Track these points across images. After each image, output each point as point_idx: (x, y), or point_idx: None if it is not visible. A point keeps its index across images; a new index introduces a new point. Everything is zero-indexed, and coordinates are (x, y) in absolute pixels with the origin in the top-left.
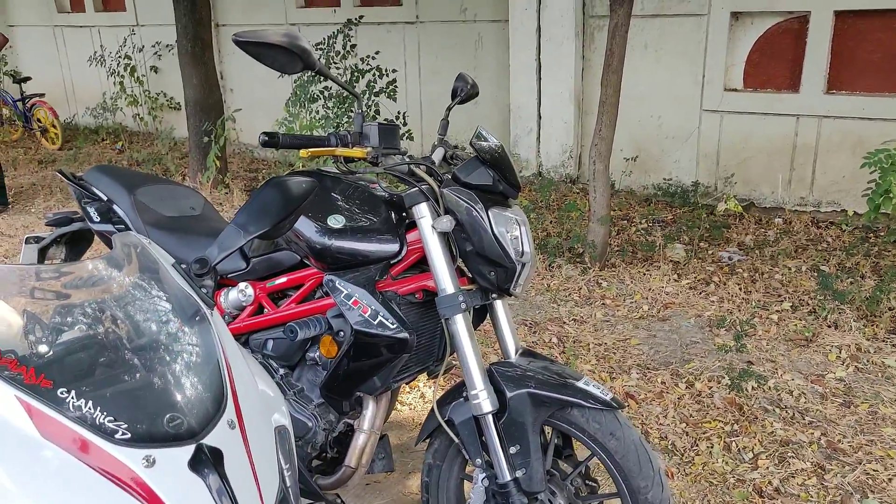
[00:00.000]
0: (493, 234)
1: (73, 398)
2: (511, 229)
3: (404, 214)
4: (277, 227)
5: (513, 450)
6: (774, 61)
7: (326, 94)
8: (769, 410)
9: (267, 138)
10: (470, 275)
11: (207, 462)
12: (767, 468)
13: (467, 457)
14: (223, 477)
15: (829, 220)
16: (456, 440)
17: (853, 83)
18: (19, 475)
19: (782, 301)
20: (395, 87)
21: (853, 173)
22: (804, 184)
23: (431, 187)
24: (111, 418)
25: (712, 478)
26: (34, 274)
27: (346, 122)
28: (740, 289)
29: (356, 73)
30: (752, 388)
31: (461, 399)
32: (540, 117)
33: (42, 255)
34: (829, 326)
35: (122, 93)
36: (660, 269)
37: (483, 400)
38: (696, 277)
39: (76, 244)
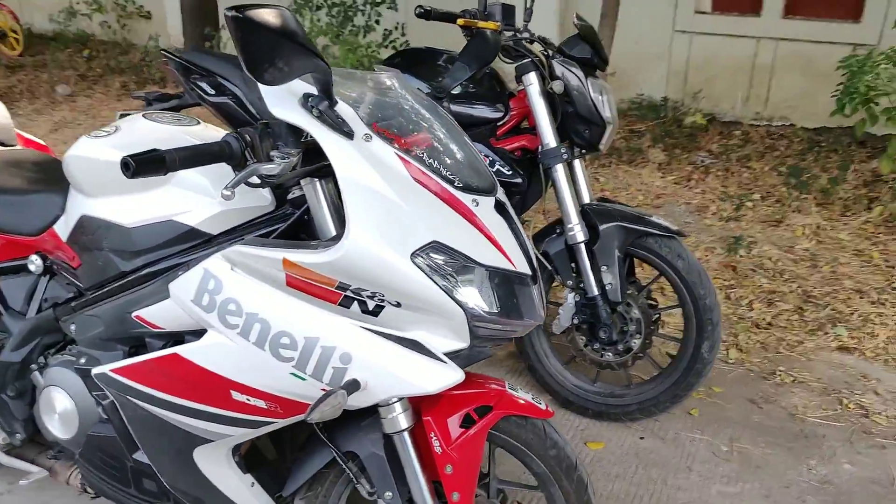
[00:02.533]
0: (591, 98)
1: (426, 157)
2: (603, 95)
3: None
4: (482, 68)
5: (603, 269)
6: None
7: (329, 2)
8: (756, 271)
9: (422, 10)
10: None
11: (502, 208)
12: (760, 310)
13: (560, 280)
14: (511, 218)
15: (780, 133)
16: (549, 268)
17: (807, 9)
18: (406, 200)
19: (753, 193)
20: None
21: (803, 92)
22: (760, 101)
23: (540, 59)
24: (449, 173)
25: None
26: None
27: (349, 30)
28: (719, 183)
29: None
30: (741, 255)
31: (553, 235)
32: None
33: None
34: (794, 212)
35: None
36: (647, 167)
37: (578, 231)
38: (678, 175)
39: None
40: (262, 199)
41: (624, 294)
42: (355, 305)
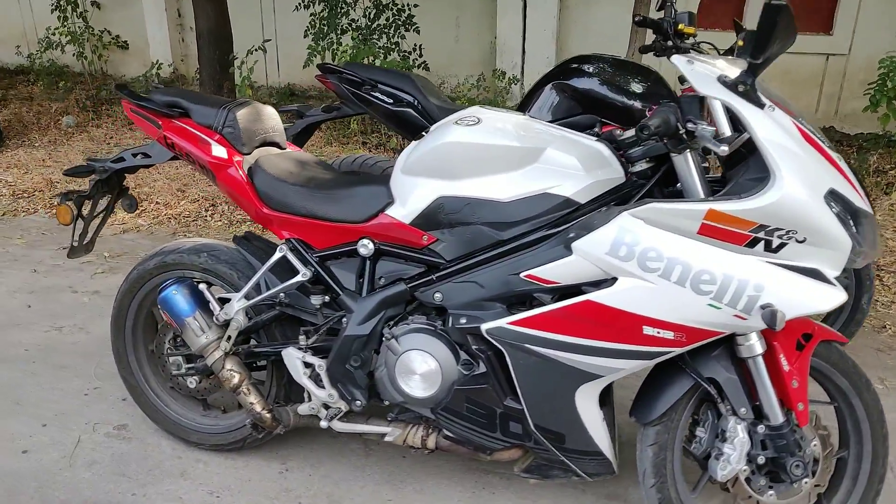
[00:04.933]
0: None
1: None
2: None
3: None
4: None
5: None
6: (722, 4)
7: (354, 25)
8: None
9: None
10: None
11: None
12: None
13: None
14: None
15: None
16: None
17: None
18: (808, 154)
19: None
20: (414, 20)
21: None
22: None
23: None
24: (817, 136)
25: None
26: None
27: (380, 48)
28: None
29: (379, 9)
30: None
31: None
32: (524, 52)
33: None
34: None
35: (62, 28)
36: None
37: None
38: None
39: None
40: (616, 173)
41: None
42: (759, 245)
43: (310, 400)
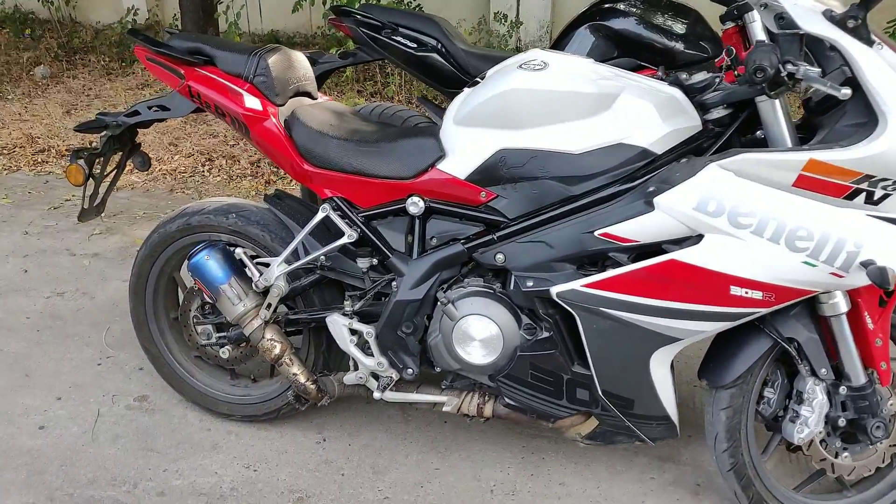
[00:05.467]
0: None
1: None
2: None
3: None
4: None
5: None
6: None
7: None
8: None
9: None
10: None
11: None
12: None
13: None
14: None
15: None
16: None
17: None
18: None
19: None
20: None
21: None
22: None
23: None
24: None
25: None
26: None
27: None
28: None
29: None
30: None
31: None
32: None
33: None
34: None
35: None
36: None
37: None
38: None
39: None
40: (692, 121)
41: None
42: (860, 197)
43: (356, 369)
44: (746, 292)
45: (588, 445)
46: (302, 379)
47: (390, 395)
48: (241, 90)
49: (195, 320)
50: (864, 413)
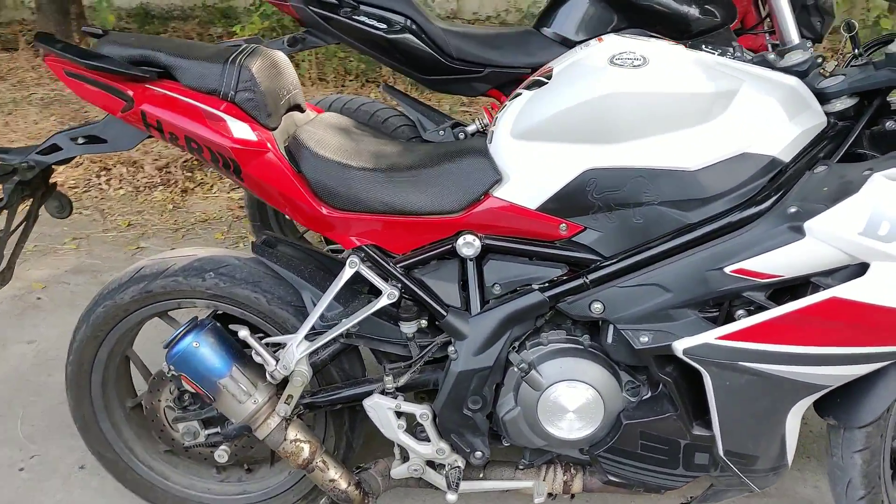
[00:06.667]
0: None
1: None
2: None
3: None
4: None
5: None
6: None
7: None
8: None
9: None
10: None
11: None
12: None
13: None
14: None
15: None
16: None
17: None
18: None
19: None
20: None
21: None
22: None
23: None
24: None
25: None
26: None
27: None
28: None
29: None
30: None
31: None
32: None
33: None
34: None
35: None
36: None
37: None
38: None
39: None
40: (818, 117)
41: None
42: None
43: (405, 459)
44: None
45: None
46: (343, 485)
47: (466, 487)
48: (220, 113)
49: (173, 415)
50: None
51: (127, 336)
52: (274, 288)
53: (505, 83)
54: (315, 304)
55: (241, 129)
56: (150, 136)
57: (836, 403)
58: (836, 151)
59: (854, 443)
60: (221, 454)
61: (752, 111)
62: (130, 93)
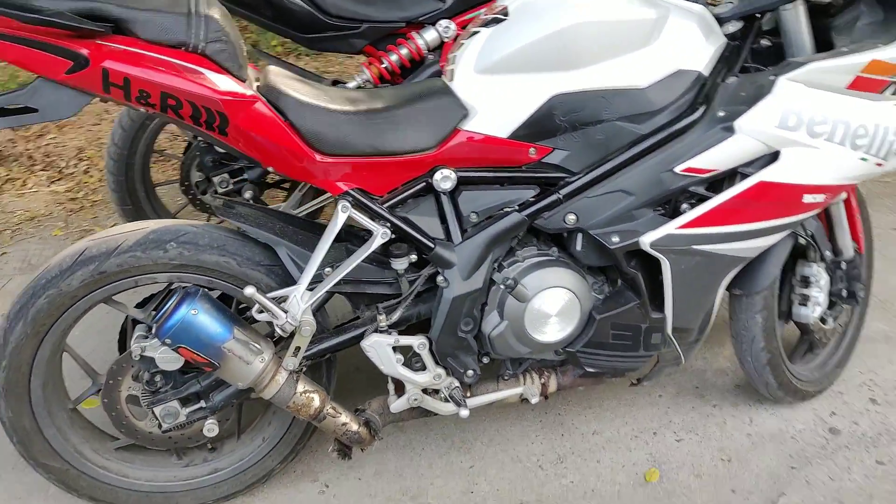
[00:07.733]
0: None
1: None
2: None
3: None
4: None
5: None
6: None
7: None
8: None
9: None
10: None
11: None
12: None
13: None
14: None
15: None
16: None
17: None
18: None
19: None
20: None
21: None
22: None
23: None
24: None
25: None
26: None
27: None
28: None
29: None
30: None
31: None
32: None
33: None
34: None
35: None
36: None
37: None
38: None
39: None
40: (720, 38)
41: None
42: (889, 89)
43: (401, 392)
44: (815, 198)
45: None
46: (354, 426)
47: (473, 403)
48: (196, 67)
49: (146, 401)
50: (856, 280)
51: (67, 329)
52: (241, 250)
53: (380, 38)
54: (293, 259)
55: (223, 82)
56: (97, 99)
57: (739, 276)
58: (735, 65)
59: (755, 306)
60: (211, 428)
61: (680, 34)
62: (85, 51)
